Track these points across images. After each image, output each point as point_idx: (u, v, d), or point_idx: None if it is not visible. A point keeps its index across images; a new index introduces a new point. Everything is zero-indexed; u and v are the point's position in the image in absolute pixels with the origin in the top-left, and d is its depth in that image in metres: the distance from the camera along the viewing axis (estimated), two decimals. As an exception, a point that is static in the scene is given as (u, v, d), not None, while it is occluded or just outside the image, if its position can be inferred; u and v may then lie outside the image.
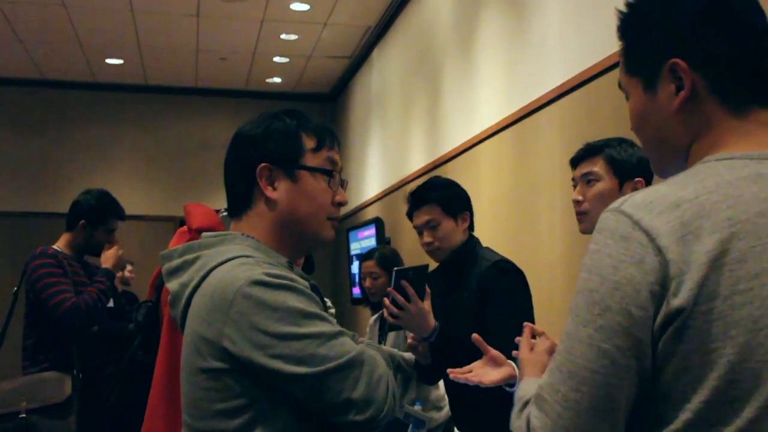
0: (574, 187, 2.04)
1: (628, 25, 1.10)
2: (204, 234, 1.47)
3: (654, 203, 0.94)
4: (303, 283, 1.34)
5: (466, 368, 1.90)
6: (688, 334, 0.90)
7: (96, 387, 3.30)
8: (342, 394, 1.28)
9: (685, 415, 0.90)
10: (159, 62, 7.76)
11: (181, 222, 2.17)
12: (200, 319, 1.32)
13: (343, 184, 1.50)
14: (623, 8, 1.11)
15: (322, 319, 1.32)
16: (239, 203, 1.46)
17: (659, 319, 0.91)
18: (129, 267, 6.09)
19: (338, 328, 1.34)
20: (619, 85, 1.14)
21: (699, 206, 0.93)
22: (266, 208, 1.43)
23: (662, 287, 0.91)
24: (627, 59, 1.11)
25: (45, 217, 7.68)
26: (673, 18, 1.04)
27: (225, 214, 2.64)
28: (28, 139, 8.27)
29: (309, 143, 1.45)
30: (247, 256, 1.36)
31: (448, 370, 1.90)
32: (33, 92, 8.27)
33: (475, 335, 1.91)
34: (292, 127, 1.45)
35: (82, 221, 3.42)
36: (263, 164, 1.42)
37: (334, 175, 1.47)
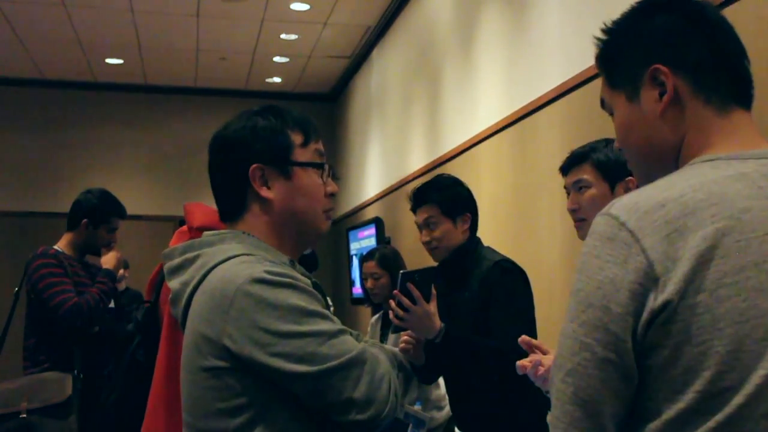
0: (568, 194, 2.05)
1: (608, 46, 1.16)
2: (205, 233, 1.46)
3: (639, 204, 0.97)
4: (304, 281, 1.34)
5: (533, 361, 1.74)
6: (677, 328, 0.92)
7: (97, 387, 3.30)
8: (343, 393, 1.28)
9: (677, 406, 0.93)
10: (159, 62, 7.76)
11: (181, 222, 2.15)
12: (201, 318, 1.32)
13: (332, 174, 1.50)
14: (601, 34, 1.16)
15: (323, 317, 1.31)
16: (232, 207, 1.45)
17: (645, 315, 0.94)
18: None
19: (340, 326, 1.33)
20: (602, 104, 1.19)
21: (683, 205, 0.95)
22: (263, 208, 1.42)
23: (644, 287, 0.94)
24: (609, 75, 1.16)
25: (45, 217, 7.68)
26: (651, 30, 1.09)
27: None
28: (28, 139, 8.27)
29: (296, 139, 1.44)
30: (248, 254, 1.35)
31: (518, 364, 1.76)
32: (33, 92, 8.27)
33: (523, 337, 1.83)
34: (278, 125, 1.44)
35: (85, 220, 3.42)
36: (255, 165, 1.41)
37: (325, 167, 1.47)
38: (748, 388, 0.90)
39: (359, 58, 7.55)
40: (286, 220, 1.43)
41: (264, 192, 1.41)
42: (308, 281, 1.36)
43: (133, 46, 7.24)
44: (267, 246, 1.41)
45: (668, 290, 0.92)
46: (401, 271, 2.22)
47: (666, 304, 0.92)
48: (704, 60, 1.06)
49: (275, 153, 1.42)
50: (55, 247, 3.42)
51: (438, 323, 2.20)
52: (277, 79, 8.37)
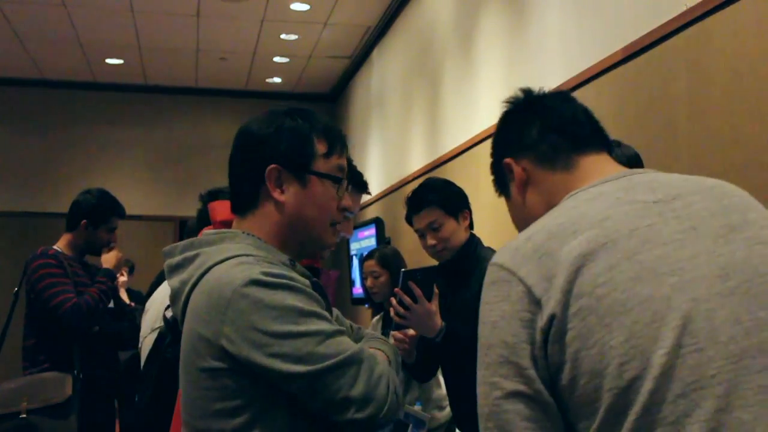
0: None
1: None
2: (205, 231, 1.46)
3: (511, 245, 1.07)
4: (302, 282, 1.33)
5: None
6: (569, 337, 0.96)
7: (97, 387, 3.30)
8: (341, 391, 1.27)
9: (598, 414, 0.95)
10: (159, 62, 7.76)
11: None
12: (199, 318, 1.31)
13: (348, 189, 1.49)
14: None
15: (320, 317, 1.31)
16: (244, 202, 1.44)
17: (538, 337, 0.98)
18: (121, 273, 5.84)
19: (337, 326, 1.33)
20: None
21: (547, 232, 1.04)
22: (273, 209, 1.41)
23: (530, 312, 0.99)
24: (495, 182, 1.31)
25: (45, 217, 7.69)
26: (499, 131, 1.29)
27: None
28: (28, 139, 8.28)
29: (320, 148, 1.42)
30: (247, 255, 1.34)
31: None
32: (33, 92, 8.27)
33: None
34: (305, 130, 1.42)
35: (84, 221, 3.42)
36: (273, 166, 1.39)
37: (343, 183, 1.45)
38: (654, 371, 0.93)
39: (359, 59, 7.55)
40: (293, 225, 1.42)
41: (277, 194, 1.40)
42: (307, 282, 1.35)
43: (133, 46, 7.24)
44: (268, 246, 1.40)
45: (550, 305, 0.97)
46: (403, 270, 2.22)
47: (551, 319, 0.97)
48: (536, 136, 1.19)
49: (296, 158, 1.40)
50: (55, 247, 3.41)
51: (439, 322, 2.20)
52: (277, 79, 8.37)
